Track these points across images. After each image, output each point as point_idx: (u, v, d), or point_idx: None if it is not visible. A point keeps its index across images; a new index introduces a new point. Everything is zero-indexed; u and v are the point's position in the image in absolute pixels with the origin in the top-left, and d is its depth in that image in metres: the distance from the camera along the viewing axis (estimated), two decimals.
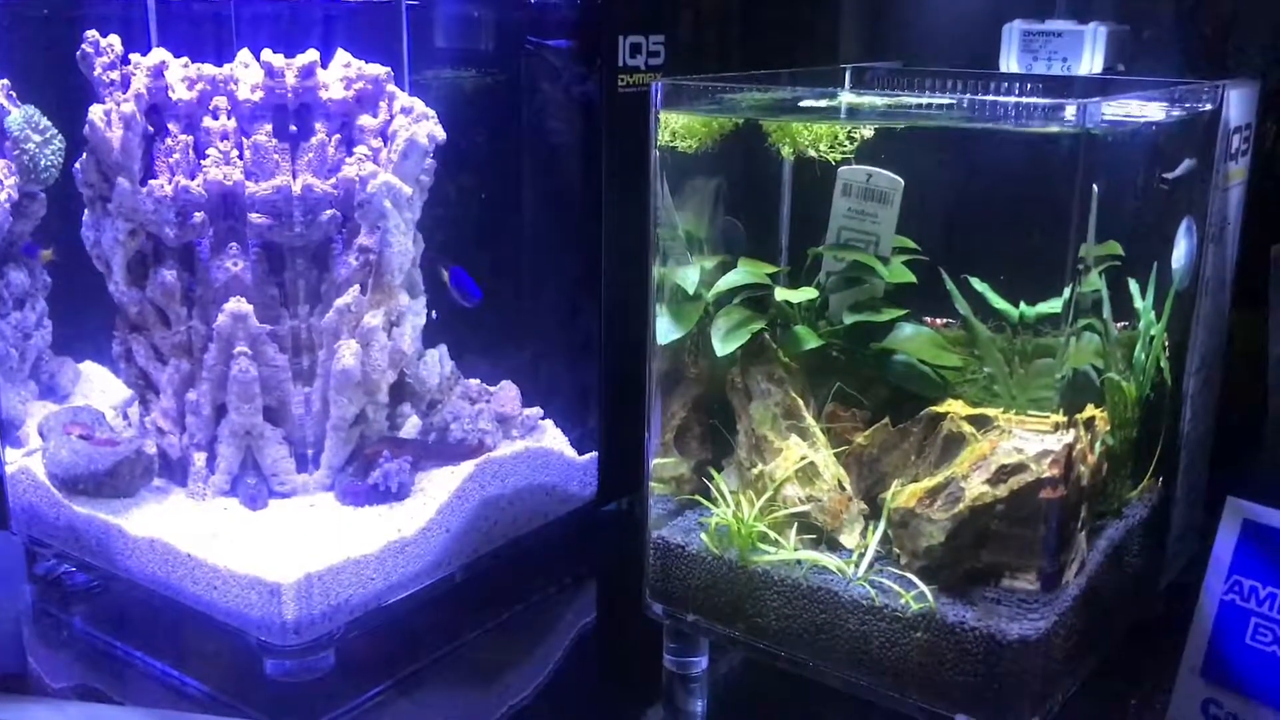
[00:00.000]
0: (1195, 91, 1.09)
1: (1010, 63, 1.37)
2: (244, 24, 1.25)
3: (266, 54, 1.18)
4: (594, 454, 1.49)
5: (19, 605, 1.38)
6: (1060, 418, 0.95)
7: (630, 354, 1.55)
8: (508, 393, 1.41)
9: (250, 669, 1.18)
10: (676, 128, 1.17)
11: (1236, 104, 1.18)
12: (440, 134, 1.24)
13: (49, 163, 1.39)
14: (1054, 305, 0.94)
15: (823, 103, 1.21)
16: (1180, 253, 1.14)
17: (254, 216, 1.16)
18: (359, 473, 1.25)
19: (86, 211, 1.30)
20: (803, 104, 1.21)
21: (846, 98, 1.21)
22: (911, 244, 1.19)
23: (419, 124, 1.22)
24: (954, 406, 1.10)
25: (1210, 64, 1.41)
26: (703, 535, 1.15)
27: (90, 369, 1.54)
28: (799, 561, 1.10)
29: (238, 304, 1.19)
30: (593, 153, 1.42)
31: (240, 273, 1.20)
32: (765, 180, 1.28)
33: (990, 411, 1.08)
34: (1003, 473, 0.98)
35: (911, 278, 1.18)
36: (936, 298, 1.16)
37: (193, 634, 1.24)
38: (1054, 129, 0.89)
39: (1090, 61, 1.32)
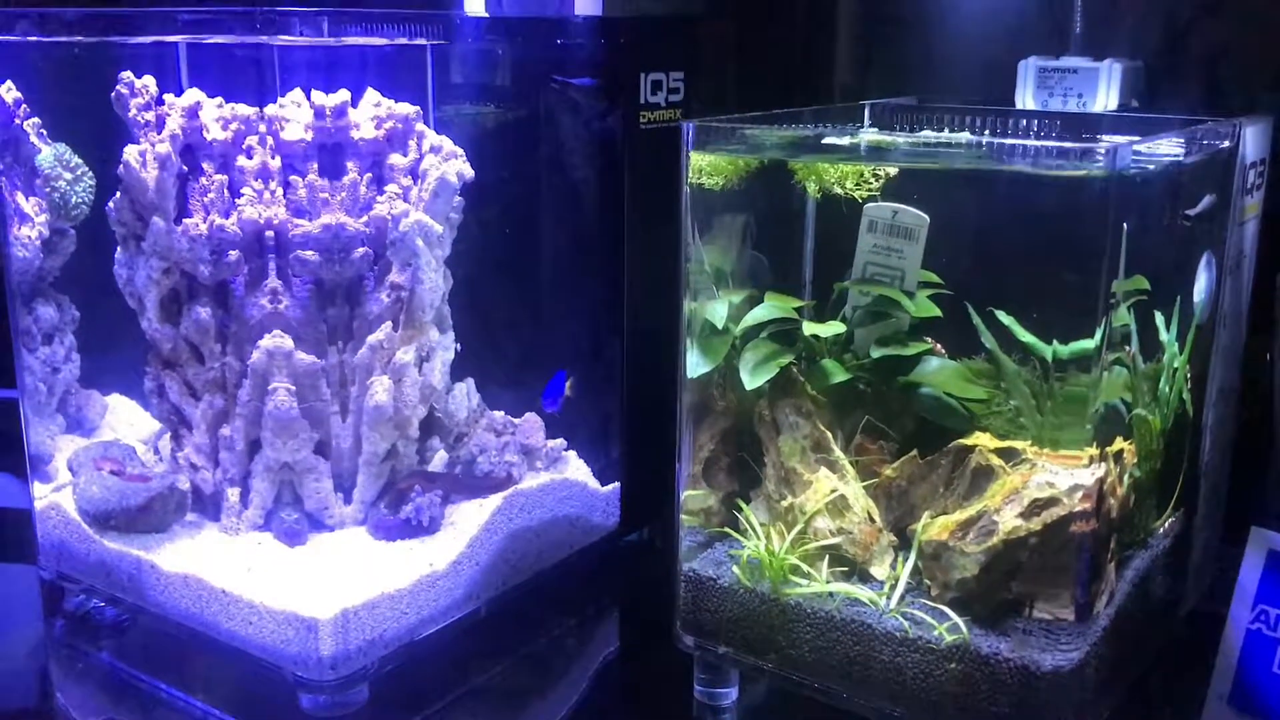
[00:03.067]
0: (1214, 129, 1.12)
1: (1026, 99, 1.40)
2: (272, 65, 1.27)
3: (317, 95, 1.20)
4: (616, 485, 1.51)
5: (42, 640, 1.38)
6: (1093, 451, 0.97)
7: (652, 386, 1.57)
8: (532, 424, 1.42)
9: (285, 704, 1.19)
10: (703, 165, 1.19)
11: (1252, 140, 1.20)
12: (469, 172, 1.26)
13: (80, 200, 1.41)
14: (1085, 344, 0.96)
15: (846, 140, 1.23)
16: (1201, 286, 1.16)
17: (305, 254, 1.17)
18: (390, 507, 1.26)
19: (119, 249, 1.31)
20: (826, 141, 1.24)
21: (872, 136, 1.24)
22: (935, 278, 1.21)
23: (449, 162, 1.24)
24: (981, 439, 1.12)
25: (1218, 98, 1.44)
26: (735, 568, 1.17)
27: (117, 402, 1.55)
28: (831, 594, 1.11)
29: (273, 340, 1.21)
30: (615, 188, 1.44)
31: (282, 310, 1.21)
32: (789, 216, 1.30)
33: (1018, 444, 1.10)
34: (1035, 506, 0.99)
35: (937, 312, 1.20)
36: (959, 332, 1.19)
37: (226, 669, 1.25)
38: (1085, 172, 0.92)
39: (1105, 98, 1.35)
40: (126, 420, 1.53)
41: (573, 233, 1.48)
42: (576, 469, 1.47)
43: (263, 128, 1.23)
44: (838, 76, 1.64)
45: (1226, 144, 1.15)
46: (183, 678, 1.26)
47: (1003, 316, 1.14)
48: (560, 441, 1.46)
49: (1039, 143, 0.99)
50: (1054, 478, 0.99)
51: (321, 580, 1.17)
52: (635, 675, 1.34)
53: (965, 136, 1.27)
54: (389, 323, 1.23)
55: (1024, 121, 1.31)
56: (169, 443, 1.35)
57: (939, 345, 1.22)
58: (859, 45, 1.64)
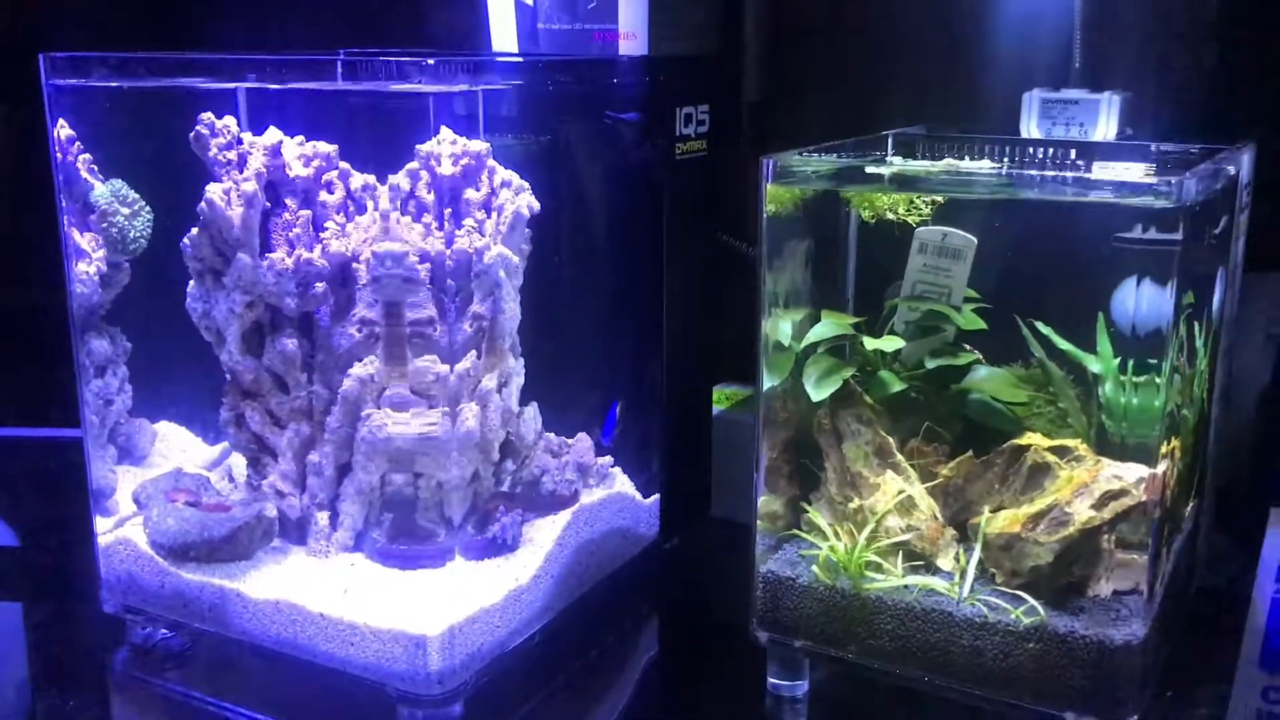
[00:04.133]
0: (1231, 157, 1.25)
1: (1031, 128, 1.52)
2: (321, 106, 1.32)
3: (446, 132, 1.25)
4: (656, 497, 1.59)
5: (110, 674, 1.39)
6: (1164, 449, 1.09)
7: (687, 403, 1.66)
8: (583, 444, 1.49)
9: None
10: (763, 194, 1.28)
11: (1245, 163, 1.35)
12: (536, 205, 1.33)
13: (138, 234, 1.42)
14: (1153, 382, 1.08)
15: (887, 170, 1.34)
16: (1216, 297, 1.30)
17: (450, 282, 1.23)
18: (477, 527, 1.31)
19: (193, 283, 1.34)
20: (868, 170, 1.34)
21: (919, 166, 1.35)
22: (974, 293, 1.33)
23: (519, 196, 1.30)
24: (1034, 438, 1.24)
25: (1200, 126, 1.60)
26: (814, 567, 1.26)
27: (166, 429, 1.56)
28: (907, 586, 1.21)
29: (363, 368, 1.26)
30: (655, 215, 1.53)
31: (435, 336, 1.26)
32: (834, 241, 1.40)
33: (1069, 442, 1.22)
34: (1106, 497, 1.11)
35: (982, 325, 1.31)
36: (994, 342, 1.31)
37: (314, 691, 1.28)
38: (1153, 202, 1.04)
39: (1105, 127, 1.48)
40: (178, 448, 1.54)
41: (615, 259, 1.55)
42: (623, 483, 1.54)
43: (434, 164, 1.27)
44: (843, 108, 1.75)
45: (1234, 169, 1.29)
46: (269, 702, 1.29)
47: (1042, 327, 1.27)
48: (608, 459, 1.53)
49: (1110, 176, 1.11)
50: (1122, 471, 1.11)
51: (425, 598, 1.22)
52: (704, 672, 1.42)
53: (986, 165, 1.39)
54: (474, 351, 1.28)
55: (1039, 150, 1.43)
56: (244, 471, 1.38)
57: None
58: (860, 79, 1.76)
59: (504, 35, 1.60)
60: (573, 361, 1.57)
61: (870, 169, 1.26)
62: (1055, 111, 1.51)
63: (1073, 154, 1.40)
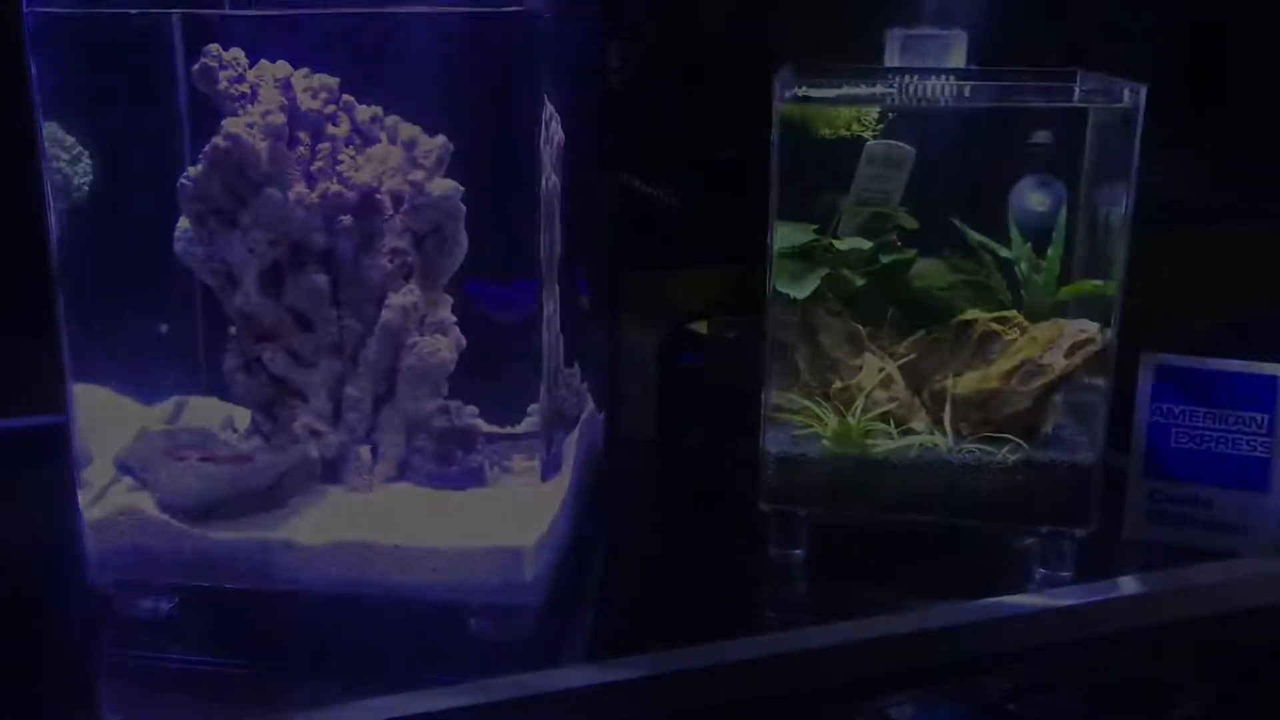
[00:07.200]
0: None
1: (895, 60, 1.77)
2: (312, 36, 1.28)
3: None
4: (604, 414, 1.69)
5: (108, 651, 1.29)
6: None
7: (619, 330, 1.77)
8: (576, 372, 1.56)
9: (457, 640, 1.24)
10: None
11: None
12: (562, 136, 1.36)
13: (81, 181, 1.30)
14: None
15: (835, 92, 1.53)
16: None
17: None
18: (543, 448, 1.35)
19: (189, 227, 1.26)
20: (809, 95, 1.52)
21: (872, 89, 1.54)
22: None
23: (559, 128, 1.33)
24: (976, 314, 1.49)
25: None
26: (824, 441, 1.43)
27: (81, 392, 1.42)
28: (907, 445, 1.42)
29: (403, 297, 1.26)
30: (606, 150, 1.62)
31: (395, 270, 1.26)
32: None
33: (1008, 314, 1.48)
34: (1075, 347, 1.38)
35: (915, 224, 1.54)
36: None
37: (386, 626, 1.26)
38: (1114, 105, 1.31)
39: (958, 59, 1.76)
40: (102, 406, 1.41)
41: (583, 189, 1.60)
42: (590, 403, 1.63)
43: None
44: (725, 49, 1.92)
45: None
46: (300, 649, 1.26)
47: (957, 222, 1.52)
48: (585, 384, 1.61)
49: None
50: (1084, 325, 1.39)
51: (513, 514, 1.25)
52: (705, 551, 1.57)
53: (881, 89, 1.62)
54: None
55: (915, 76, 1.67)
56: (249, 418, 1.32)
57: None
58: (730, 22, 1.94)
59: None
60: None
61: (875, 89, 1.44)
62: (915, 46, 1.77)
63: (954, 79, 1.66)
